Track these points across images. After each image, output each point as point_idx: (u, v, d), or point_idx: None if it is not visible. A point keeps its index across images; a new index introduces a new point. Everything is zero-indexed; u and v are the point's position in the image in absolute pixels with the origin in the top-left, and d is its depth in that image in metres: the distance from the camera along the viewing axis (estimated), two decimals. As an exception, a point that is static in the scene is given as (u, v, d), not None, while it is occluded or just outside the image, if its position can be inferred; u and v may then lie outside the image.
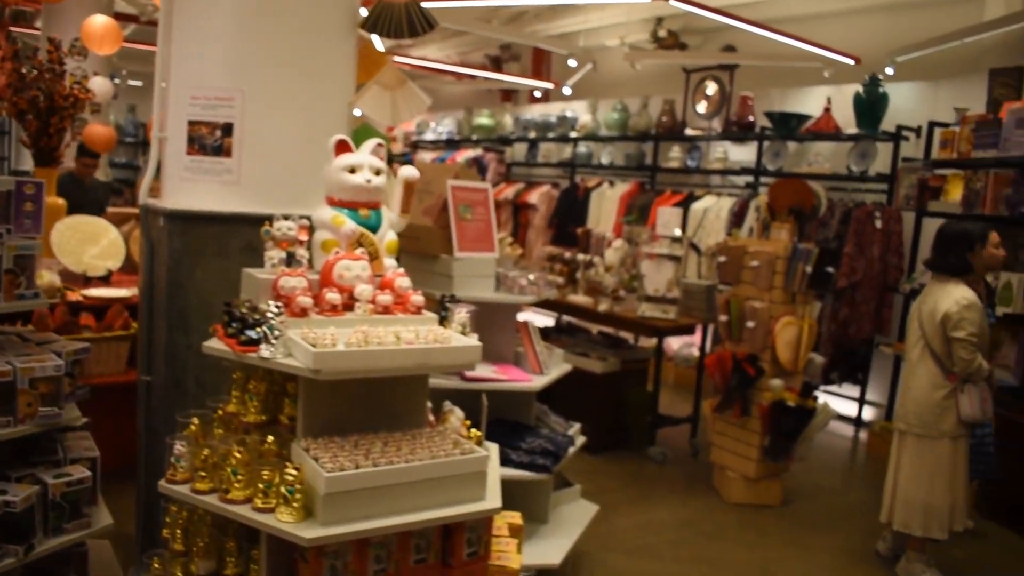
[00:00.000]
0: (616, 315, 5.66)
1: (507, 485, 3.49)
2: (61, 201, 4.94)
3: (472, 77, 11.62)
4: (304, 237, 2.56)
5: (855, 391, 7.05)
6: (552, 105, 10.85)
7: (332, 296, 2.33)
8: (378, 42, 9.16)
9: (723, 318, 5.03)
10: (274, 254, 2.50)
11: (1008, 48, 6.35)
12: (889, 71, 7.01)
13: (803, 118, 7.24)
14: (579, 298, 5.89)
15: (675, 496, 5.16)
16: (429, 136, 12.36)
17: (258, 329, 2.24)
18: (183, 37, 3.22)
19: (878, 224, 6.55)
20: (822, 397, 6.62)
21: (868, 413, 7.02)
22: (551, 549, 3.66)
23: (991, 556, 4.58)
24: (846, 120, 7.01)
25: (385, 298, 2.36)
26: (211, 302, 2.98)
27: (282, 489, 2.12)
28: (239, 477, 2.21)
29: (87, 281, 4.71)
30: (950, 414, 4.00)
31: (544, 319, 6.93)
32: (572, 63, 9.49)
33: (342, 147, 2.57)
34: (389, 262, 2.58)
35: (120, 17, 7.95)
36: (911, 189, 6.28)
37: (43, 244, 2.98)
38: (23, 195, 2.53)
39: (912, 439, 4.12)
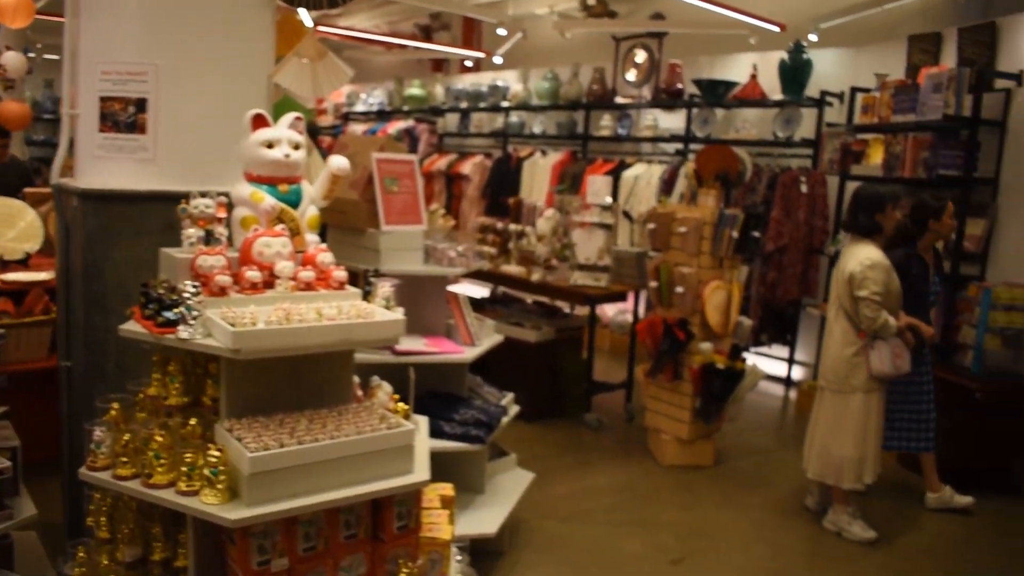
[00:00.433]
0: (549, 284, 5.69)
1: (441, 457, 3.52)
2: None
3: (402, 47, 11.47)
4: (223, 214, 2.51)
5: (784, 352, 7.22)
6: (483, 75, 10.77)
7: (252, 274, 2.29)
8: (305, 15, 9.02)
9: (653, 284, 5.09)
10: (192, 232, 2.45)
11: (926, 14, 6.49)
12: (813, 38, 7.12)
13: (730, 85, 7.32)
14: (512, 268, 5.91)
15: (611, 461, 5.23)
16: (360, 107, 12.20)
17: (175, 310, 2.19)
18: (92, 9, 3.11)
19: (803, 188, 6.68)
20: (752, 358, 6.78)
21: (797, 372, 7.19)
22: (487, 518, 3.69)
23: (913, 508, 4.74)
24: (772, 87, 7.12)
25: (307, 274, 2.33)
26: (129, 284, 2.90)
27: (206, 471, 2.09)
28: (161, 461, 2.17)
29: (4, 265, 4.56)
30: (860, 370, 4.18)
31: (479, 290, 6.92)
32: (502, 32, 9.43)
33: (259, 122, 2.51)
34: (311, 237, 2.55)
35: (31, -12, 7.63)
36: (835, 153, 6.41)
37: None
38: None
39: (828, 394, 4.34)
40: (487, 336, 3.89)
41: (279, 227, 2.42)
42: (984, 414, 4.76)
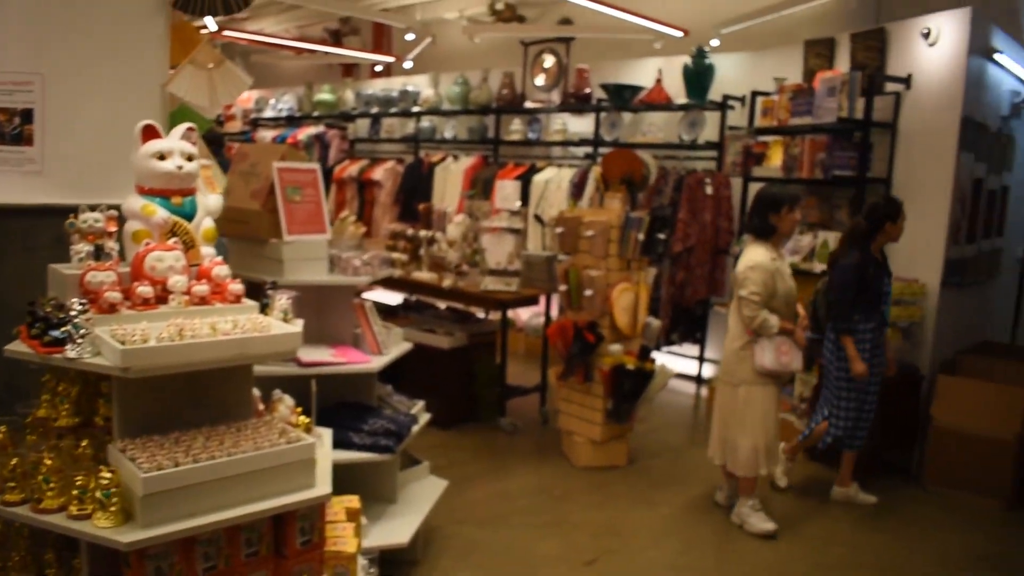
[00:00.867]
0: (460, 290, 5.69)
1: (351, 468, 3.50)
2: None
3: (312, 51, 11.32)
4: (113, 228, 2.44)
5: (695, 350, 7.38)
6: (394, 79, 10.72)
7: (143, 289, 2.24)
8: (209, 20, 8.84)
9: (563, 287, 5.14)
10: (81, 248, 2.38)
11: (821, 20, 6.72)
12: (715, 43, 7.29)
13: (636, 89, 7.45)
14: (423, 275, 5.89)
15: (526, 464, 5.27)
16: (269, 113, 11.99)
17: (63, 328, 2.13)
18: (-28, 17, 3.00)
19: (709, 190, 6.84)
20: (664, 358, 6.91)
21: (708, 370, 7.35)
22: (399, 528, 3.67)
23: (820, 500, 4.91)
24: (677, 91, 7.27)
25: (201, 288, 2.29)
26: (18, 301, 2.80)
27: (98, 494, 2.04)
28: (51, 484, 2.11)
29: None
30: (747, 363, 4.33)
31: (391, 297, 6.88)
32: (410, 37, 9.41)
33: (149, 133, 2.46)
34: (207, 250, 2.50)
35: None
36: (737, 156, 6.59)
37: None
38: None
39: (720, 385, 4.52)
40: (395, 344, 3.87)
41: (172, 240, 2.37)
42: (882, 404, 4.95)
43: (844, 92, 5.53)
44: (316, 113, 10.97)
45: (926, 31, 5.59)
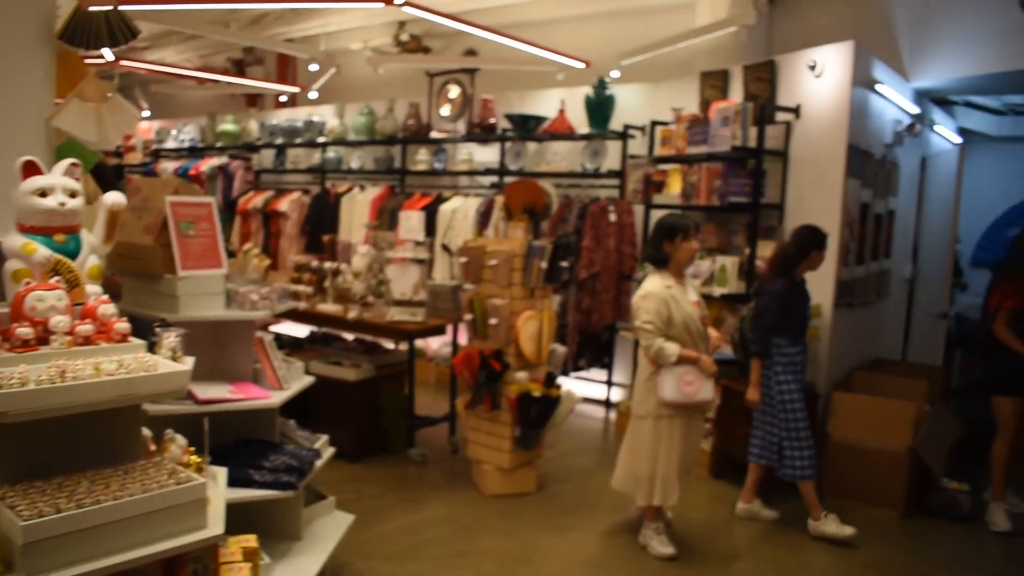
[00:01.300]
0: (366, 321, 5.66)
1: (253, 507, 3.43)
2: None
3: (215, 81, 11.16)
4: (-8, 269, 2.36)
5: (603, 375, 7.48)
6: (299, 110, 10.64)
7: (23, 331, 2.16)
8: (107, 51, 8.63)
9: (468, 317, 5.16)
10: (-44, 289, 2.30)
11: (716, 52, 6.96)
12: (615, 74, 7.48)
13: (540, 119, 7.58)
14: (328, 307, 5.84)
15: (436, 495, 5.24)
16: (171, 144, 11.75)
17: (-65, 373, 2.04)
18: None
19: (612, 218, 6.98)
20: (572, 383, 7.00)
21: (615, 394, 7.46)
22: (305, 566, 3.60)
23: (726, 518, 5.02)
24: (579, 120, 7.42)
25: (85, 328, 2.23)
26: None
27: (-26, 544, 1.95)
28: (-76, 537, 2.01)
29: None
30: (652, 395, 4.35)
31: (298, 330, 6.79)
32: (314, 67, 9.37)
33: (30, 169, 2.39)
34: (92, 289, 2.44)
35: None
36: (638, 184, 6.75)
37: None
38: None
39: (632, 416, 4.53)
40: (297, 378, 3.82)
41: (54, 279, 2.30)
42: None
43: (737, 122, 5.73)
44: (219, 144, 10.80)
45: (812, 63, 5.85)
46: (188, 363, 2.35)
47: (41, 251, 2.33)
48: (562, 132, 7.45)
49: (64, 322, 2.21)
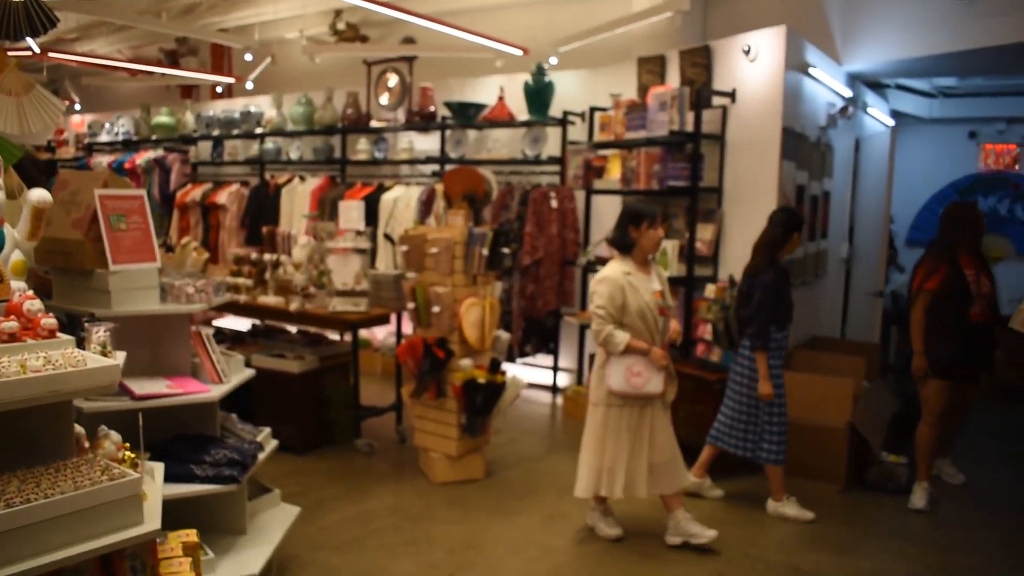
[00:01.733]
0: (308, 313, 5.60)
1: (196, 502, 3.39)
2: None
3: (148, 73, 10.91)
4: (-90, 266, 2.29)
5: (549, 360, 7.52)
6: (235, 100, 10.47)
7: (-57, 329, 2.11)
8: (33, 43, 8.38)
9: (411, 305, 5.15)
10: None
11: (653, 38, 7.02)
12: (553, 61, 7.50)
13: (480, 107, 7.56)
14: (269, 299, 5.77)
15: (383, 484, 5.23)
16: (104, 138, 11.49)
17: None
18: None
19: (554, 204, 7.01)
20: (518, 369, 7.02)
21: (562, 379, 7.51)
22: (250, 559, 3.57)
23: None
24: (519, 107, 7.42)
25: (9, 325, 2.17)
26: None
27: (-102, 549, 1.90)
28: None
29: None
30: (603, 383, 4.29)
31: (239, 324, 6.71)
32: (248, 57, 9.22)
33: (-52, 163, 2.32)
34: (17, 285, 2.37)
35: None
36: (579, 169, 6.79)
37: None
38: None
39: (589, 405, 4.46)
40: (237, 372, 3.77)
41: (-24, 276, 2.25)
42: (720, 402, 5.18)
43: (675, 106, 5.79)
44: (155, 137, 10.60)
45: (746, 48, 5.93)
46: (119, 358, 2.31)
47: (-39, 247, 2.27)
48: (502, 119, 7.45)
49: (-13, 319, 2.15)
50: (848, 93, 6.97)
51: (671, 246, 5.99)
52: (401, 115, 8.26)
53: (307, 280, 5.62)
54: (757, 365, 4.68)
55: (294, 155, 9.16)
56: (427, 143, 8.24)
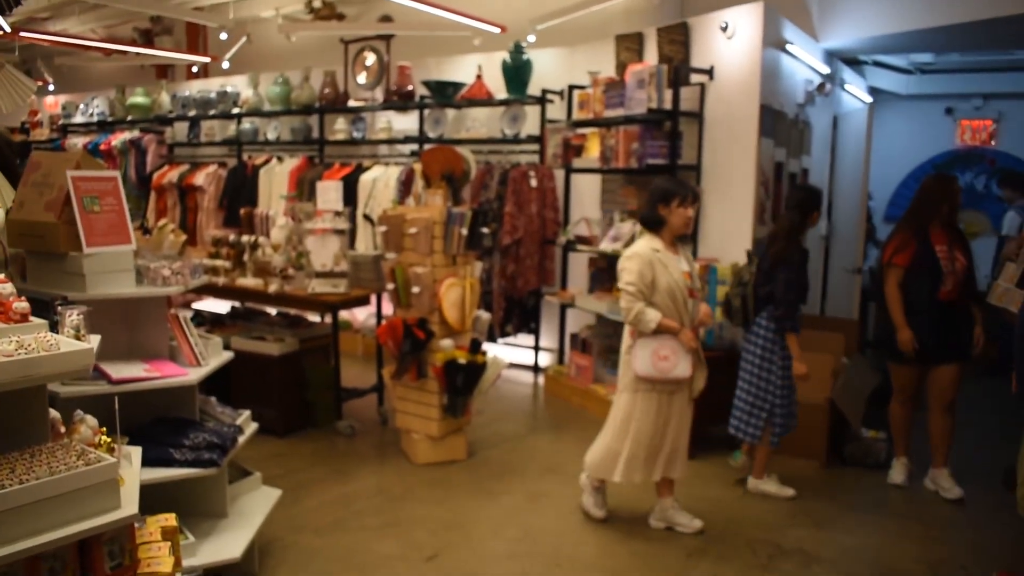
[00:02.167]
0: (287, 295, 5.57)
1: (176, 486, 3.38)
2: None
3: (122, 52, 10.75)
4: None
5: (530, 340, 7.52)
6: (212, 80, 10.34)
7: (-87, 314, 2.08)
8: (2, 21, 8.22)
9: (390, 286, 5.13)
10: None
11: (630, 16, 6.99)
12: (531, 39, 7.46)
13: (458, 86, 7.51)
14: (248, 281, 5.73)
15: (365, 466, 5.22)
16: (79, 119, 11.33)
17: None
18: None
19: (533, 183, 6.99)
20: (500, 349, 7.03)
21: (543, 359, 7.52)
22: (231, 543, 3.56)
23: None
24: (497, 86, 7.37)
25: (-20, 309, 2.15)
26: None
27: None
28: None
29: None
30: (630, 368, 4.15)
31: (219, 306, 6.66)
32: (224, 36, 9.10)
33: (-86, 145, 2.28)
34: (-13, 268, 2.34)
35: None
36: (558, 148, 6.76)
37: None
38: None
39: (616, 392, 4.37)
40: (215, 355, 3.75)
41: (-54, 260, 2.21)
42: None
43: (652, 84, 5.77)
44: (130, 117, 10.46)
45: (724, 25, 5.93)
46: (93, 341, 2.28)
47: (-70, 231, 2.23)
48: (480, 98, 7.40)
49: (-42, 304, 2.12)
50: (825, 70, 6.97)
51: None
52: (379, 94, 8.19)
53: (286, 261, 5.58)
54: (789, 348, 4.63)
55: (271, 135, 9.07)
56: (406, 122, 8.18)
